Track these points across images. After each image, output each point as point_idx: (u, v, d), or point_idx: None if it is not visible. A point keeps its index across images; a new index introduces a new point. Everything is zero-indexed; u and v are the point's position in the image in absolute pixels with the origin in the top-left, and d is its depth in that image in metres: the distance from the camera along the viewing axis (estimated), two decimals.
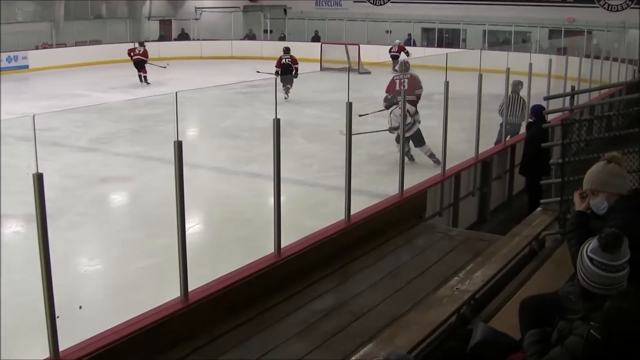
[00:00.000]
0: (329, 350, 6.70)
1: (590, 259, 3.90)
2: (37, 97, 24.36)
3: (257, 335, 7.02)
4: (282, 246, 8.05)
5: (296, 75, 24.23)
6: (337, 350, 6.61)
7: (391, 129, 14.18)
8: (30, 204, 5.70)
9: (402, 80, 16.46)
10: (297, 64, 25.43)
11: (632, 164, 7.63)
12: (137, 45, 30.83)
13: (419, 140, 13.89)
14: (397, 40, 33.91)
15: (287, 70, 25.48)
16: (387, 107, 14.92)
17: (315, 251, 8.45)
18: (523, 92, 14.79)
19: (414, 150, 13.89)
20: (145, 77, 29.43)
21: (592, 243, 3.93)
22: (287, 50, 26.19)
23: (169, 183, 7.01)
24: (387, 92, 16.00)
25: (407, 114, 12.14)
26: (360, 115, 13.97)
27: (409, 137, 13.43)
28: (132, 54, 29.99)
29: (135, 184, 13.69)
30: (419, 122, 14.15)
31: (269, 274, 7.81)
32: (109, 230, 11.08)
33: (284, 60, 25.36)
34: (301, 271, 8.13)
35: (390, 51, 32.84)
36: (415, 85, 16.37)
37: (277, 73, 23.92)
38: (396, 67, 30.57)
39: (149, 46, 31.74)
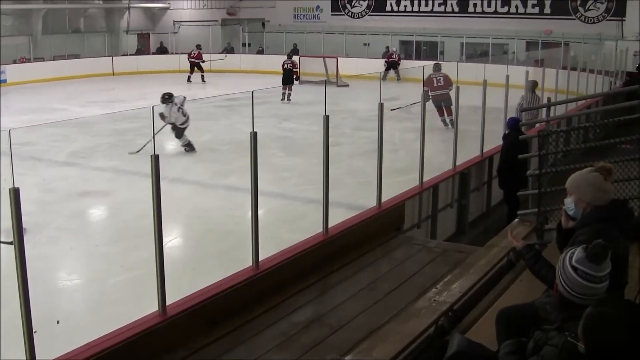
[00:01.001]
0: None
1: (575, 269, 3.92)
2: (16, 112, 24.23)
3: (236, 348, 7.00)
4: (260, 259, 8.06)
5: (297, 79, 26.48)
6: None
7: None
8: (7, 218, 5.69)
9: (437, 78, 19.51)
10: (297, 68, 27.80)
11: (620, 174, 7.72)
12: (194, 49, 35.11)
13: None
14: (394, 48, 34.19)
15: (289, 74, 28.12)
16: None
17: (294, 264, 8.46)
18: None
19: None
20: (202, 75, 35.03)
21: (578, 253, 3.94)
22: (290, 55, 29.36)
23: (148, 197, 7.01)
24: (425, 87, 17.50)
25: None
26: (392, 110, 14.36)
27: None
28: (189, 57, 34.40)
29: (114, 198, 13.65)
30: None
31: (247, 286, 7.80)
32: (88, 244, 11.03)
33: (285, 65, 28.00)
34: (280, 284, 8.13)
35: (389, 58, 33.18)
36: (449, 82, 19.10)
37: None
38: (388, 76, 31.10)
39: (126, 60, 32.07)
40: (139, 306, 7.49)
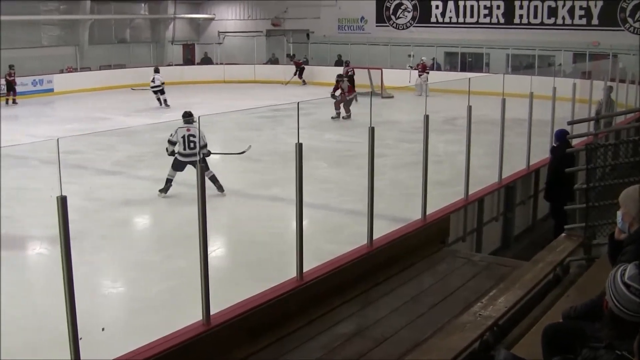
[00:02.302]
0: None
1: (627, 286, 3.81)
2: (62, 121, 24.54)
3: None
4: (303, 270, 8.02)
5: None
6: None
7: None
8: (54, 226, 5.70)
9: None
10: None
11: None
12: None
13: None
14: (423, 58, 33.91)
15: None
16: None
17: (338, 275, 8.41)
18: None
19: None
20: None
21: (630, 270, 3.84)
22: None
23: (190, 206, 7.01)
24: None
25: None
26: None
27: None
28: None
29: (156, 207, 13.69)
30: None
31: (290, 298, 7.77)
32: (131, 252, 11.08)
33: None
34: (323, 295, 8.08)
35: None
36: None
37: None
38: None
39: (171, 70, 32.20)
40: (181, 315, 7.48)
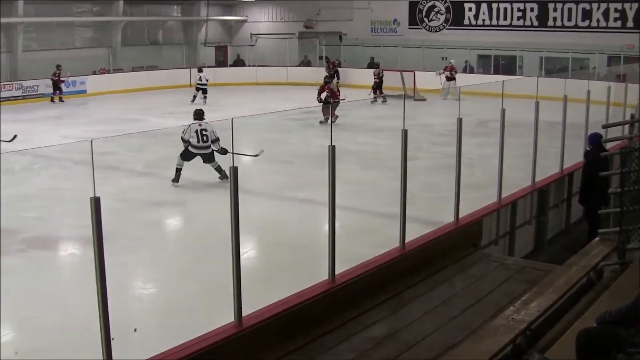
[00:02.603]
0: None
1: None
2: (94, 122, 24.70)
3: None
4: (335, 273, 8.02)
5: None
6: None
7: None
8: (86, 227, 5.74)
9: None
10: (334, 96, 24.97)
11: None
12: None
13: None
14: (452, 60, 33.69)
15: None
16: None
17: (370, 278, 8.41)
18: None
19: None
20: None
21: None
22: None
23: (222, 208, 7.02)
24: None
25: None
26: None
27: None
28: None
29: (188, 208, 13.76)
30: None
31: (322, 300, 7.78)
32: (163, 254, 11.12)
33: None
34: (355, 298, 8.08)
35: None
36: None
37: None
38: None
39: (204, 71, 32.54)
40: (213, 317, 7.51)
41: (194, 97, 31.43)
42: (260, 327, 7.11)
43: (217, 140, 15.04)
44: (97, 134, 20.00)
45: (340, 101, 23.94)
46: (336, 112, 22.29)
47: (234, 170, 6.76)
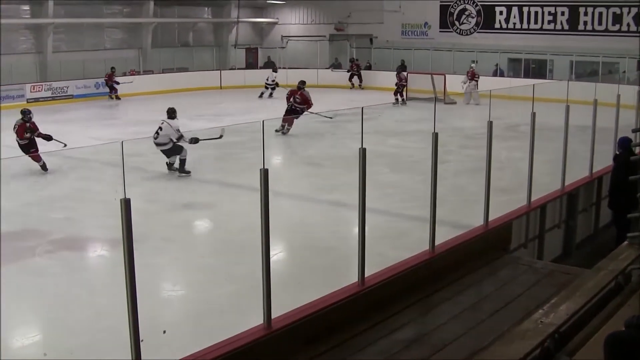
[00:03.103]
0: None
1: None
2: (124, 123, 24.87)
3: None
4: (365, 275, 8.07)
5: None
6: None
7: None
8: (115, 228, 5.83)
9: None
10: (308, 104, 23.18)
11: None
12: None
13: None
14: (473, 65, 33.51)
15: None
16: None
17: (399, 281, 8.45)
18: None
19: None
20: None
21: None
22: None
23: (251, 210, 7.10)
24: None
25: None
26: None
27: None
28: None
29: (217, 210, 13.82)
30: None
31: (351, 303, 7.83)
32: (192, 256, 11.20)
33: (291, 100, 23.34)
34: (384, 301, 8.13)
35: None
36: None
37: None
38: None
39: (233, 74, 33.07)
40: (240, 320, 7.59)
41: (262, 93, 34.19)
42: (290, 330, 7.16)
43: (180, 137, 16.05)
44: (127, 135, 20.22)
45: (310, 113, 22.47)
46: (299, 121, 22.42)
47: (265, 172, 6.83)
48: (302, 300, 7.78)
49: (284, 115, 22.05)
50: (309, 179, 16.12)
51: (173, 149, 16.16)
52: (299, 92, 23.17)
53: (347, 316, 7.71)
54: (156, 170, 16.57)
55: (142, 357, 6.00)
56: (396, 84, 31.88)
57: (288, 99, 23.16)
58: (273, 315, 7.05)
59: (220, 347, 6.66)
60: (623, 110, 14.65)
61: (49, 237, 11.98)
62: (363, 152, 7.79)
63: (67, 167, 17.44)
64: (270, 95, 33.50)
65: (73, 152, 18.11)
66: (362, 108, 8.08)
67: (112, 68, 33.91)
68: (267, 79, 34.49)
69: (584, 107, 13.31)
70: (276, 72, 34.88)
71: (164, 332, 7.83)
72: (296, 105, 22.78)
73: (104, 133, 22.58)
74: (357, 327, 7.67)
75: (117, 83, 33.93)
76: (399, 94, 31.34)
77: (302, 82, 23.85)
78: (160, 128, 16.33)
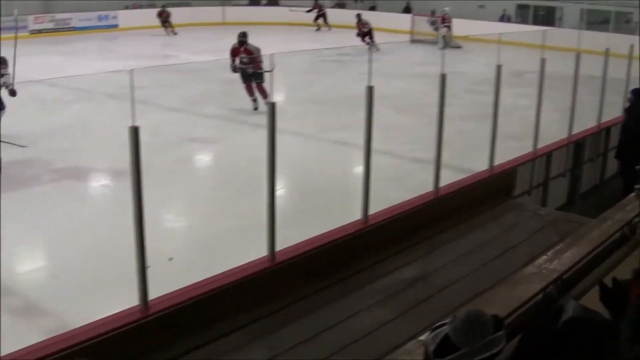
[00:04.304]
0: (411, 319, 6.68)
1: None
2: (126, 57, 24.58)
3: (339, 300, 7.03)
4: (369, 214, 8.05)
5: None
6: (419, 320, 6.53)
7: None
8: (117, 159, 5.81)
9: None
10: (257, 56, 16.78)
11: None
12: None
13: None
14: (447, 8, 32.50)
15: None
16: None
17: (403, 221, 8.43)
18: None
19: None
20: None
21: None
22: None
23: (255, 146, 7.05)
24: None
25: None
26: None
27: None
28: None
29: (222, 145, 13.77)
30: None
31: (354, 240, 7.82)
32: (195, 189, 11.17)
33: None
34: (388, 240, 8.11)
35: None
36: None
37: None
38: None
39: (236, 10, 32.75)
40: (243, 253, 7.56)
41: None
42: (293, 263, 7.17)
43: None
44: (127, 68, 19.94)
45: (265, 72, 16.02)
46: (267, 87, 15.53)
47: (271, 106, 6.77)
48: (306, 236, 7.77)
49: (243, 83, 16.65)
50: (313, 117, 16.01)
51: None
52: (241, 49, 16.69)
53: (350, 253, 7.70)
54: (160, 104, 16.45)
55: (148, 284, 6.03)
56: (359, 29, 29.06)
57: (232, 59, 16.77)
58: (276, 249, 7.03)
59: (224, 276, 6.67)
60: (636, 61, 14.48)
61: (52, 166, 11.96)
62: (370, 90, 7.73)
63: (70, 98, 17.33)
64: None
65: (75, 83, 18.00)
66: (369, 46, 8.00)
67: (164, 5, 33.79)
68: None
69: (594, 58, 13.17)
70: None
71: (170, 259, 7.82)
72: (244, 65, 16.57)
73: (105, 65, 22.29)
74: (361, 264, 7.66)
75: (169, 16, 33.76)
76: (367, 37, 28.67)
77: (244, 34, 16.97)
78: None
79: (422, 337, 5.80)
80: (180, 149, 13.24)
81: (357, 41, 26.96)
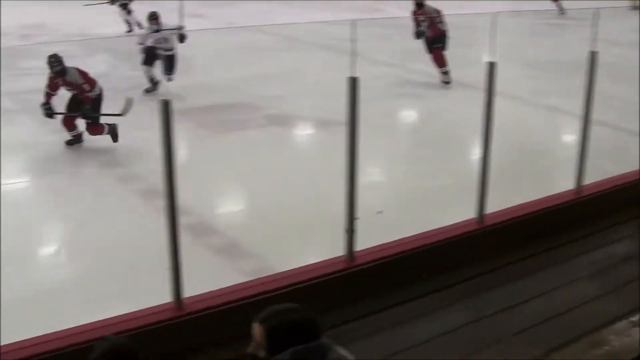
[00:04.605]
0: (620, 298, 6.32)
1: None
2: (337, 8, 24.69)
3: (547, 269, 6.84)
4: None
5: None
6: (629, 300, 6.19)
7: None
8: (324, 108, 5.82)
9: None
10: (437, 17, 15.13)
11: None
12: None
13: None
14: None
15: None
16: None
17: (619, 193, 8.09)
18: None
19: None
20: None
21: None
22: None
23: (462, 106, 6.92)
24: None
25: None
26: None
27: None
28: None
29: (429, 103, 13.69)
30: None
31: (566, 210, 7.60)
32: (401, 145, 11.17)
33: None
34: (602, 212, 7.78)
35: None
36: None
37: None
38: None
39: None
40: (452, 212, 7.50)
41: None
42: (500, 228, 7.06)
43: None
44: (335, 19, 20.11)
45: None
46: None
47: (490, 65, 6.65)
48: (514, 202, 7.62)
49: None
50: (526, 81, 15.58)
51: None
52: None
53: (560, 223, 7.45)
54: (370, 58, 16.47)
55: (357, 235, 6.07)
56: None
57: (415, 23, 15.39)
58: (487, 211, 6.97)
59: (431, 234, 6.66)
60: None
61: (262, 112, 12.27)
62: (593, 55, 7.46)
63: (281, 47, 17.65)
64: None
65: (287, 31, 18.33)
66: (599, 9, 7.70)
67: None
68: None
69: None
70: None
71: (380, 212, 7.87)
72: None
73: (314, 16, 22.59)
74: (572, 235, 7.40)
75: None
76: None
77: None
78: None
79: (633, 318, 5.59)
80: (387, 103, 13.27)
81: (582, 5, 26.00)
